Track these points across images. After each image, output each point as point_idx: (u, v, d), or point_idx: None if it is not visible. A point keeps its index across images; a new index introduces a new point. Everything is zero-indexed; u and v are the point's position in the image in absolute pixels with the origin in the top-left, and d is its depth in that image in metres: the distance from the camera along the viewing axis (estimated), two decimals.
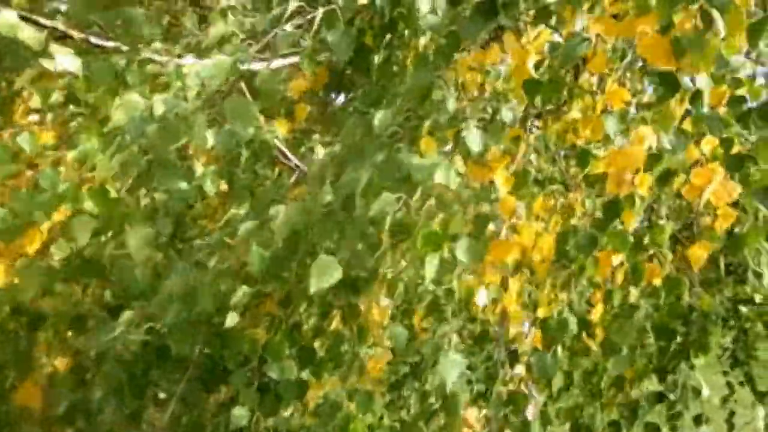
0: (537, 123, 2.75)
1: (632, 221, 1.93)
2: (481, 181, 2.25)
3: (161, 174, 1.92)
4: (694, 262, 2.10)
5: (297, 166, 3.43)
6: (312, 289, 1.66)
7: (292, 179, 3.51)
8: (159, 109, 2.09)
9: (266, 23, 2.22)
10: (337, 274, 1.68)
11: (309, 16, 2.23)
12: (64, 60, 2.30)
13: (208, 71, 1.99)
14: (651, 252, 2.11)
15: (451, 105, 2.02)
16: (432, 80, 1.97)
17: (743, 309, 3.66)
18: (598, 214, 2.10)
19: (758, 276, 2.45)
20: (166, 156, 1.91)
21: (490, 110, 2.72)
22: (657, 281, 2.24)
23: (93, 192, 2.01)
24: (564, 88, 2.17)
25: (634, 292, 2.28)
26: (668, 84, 1.64)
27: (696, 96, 1.78)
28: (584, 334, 2.30)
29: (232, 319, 2.16)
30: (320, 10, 2.21)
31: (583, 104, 2.21)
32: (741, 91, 1.85)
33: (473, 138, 2.07)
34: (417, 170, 1.69)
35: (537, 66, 2.12)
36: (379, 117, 1.87)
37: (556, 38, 2.59)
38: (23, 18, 2.33)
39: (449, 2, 2.08)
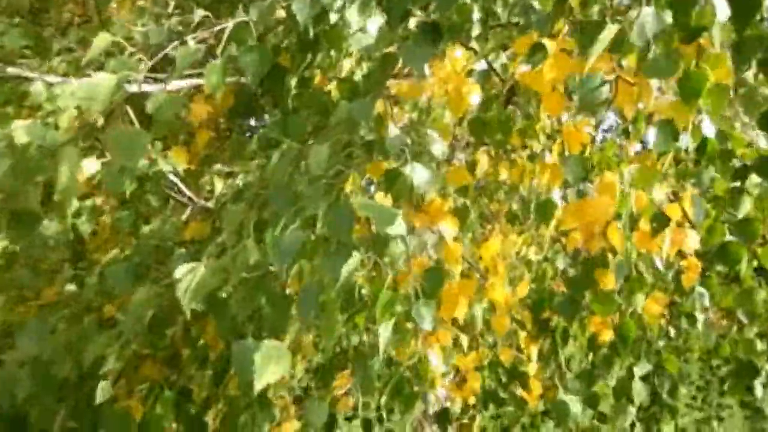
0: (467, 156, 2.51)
1: (610, 280, 1.69)
2: (425, 226, 1.96)
3: (13, 222, 1.45)
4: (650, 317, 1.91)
5: (191, 199, 2.98)
6: (258, 386, 1.26)
7: (185, 215, 3.05)
8: (21, 140, 1.61)
9: (161, 35, 1.80)
10: (287, 363, 1.29)
11: (216, 29, 1.83)
12: None
13: (85, 92, 1.54)
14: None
15: (396, 139, 1.70)
16: (372, 110, 1.64)
17: None
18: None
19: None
20: (22, 199, 1.44)
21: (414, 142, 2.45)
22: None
23: None
24: (513, 129, 1.92)
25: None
26: (669, 133, 1.41)
27: (701, 147, 1.55)
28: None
29: (104, 391, 1.74)
30: (230, 23, 1.83)
31: (534, 144, 1.97)
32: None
33: (421, 177, 1.76)
34: (379, 219, 1.34)
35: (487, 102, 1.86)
36: (316, 153, 1.50)
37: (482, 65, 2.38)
38: None
39: (387, 22, 1.77)
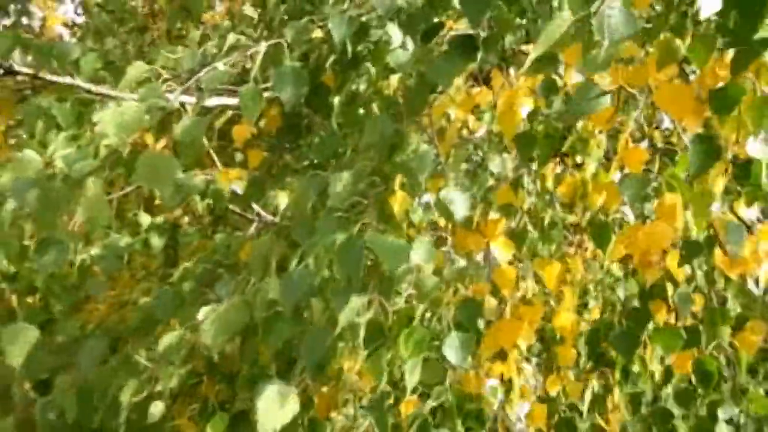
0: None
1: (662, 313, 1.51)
2: (469, 251, 1.83)
3: (42, 250, 1.47)
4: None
5: (258, 215, 3.00)
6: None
7: (251, 231, 3.07)
8: (59, 166, 1.66)
9: (195, 60, 1.79)
10: (293, 407, 1.23)
11: (250, 52, 1.80)
12: None
13: (113, 119, 1.55)
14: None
15: (429, 159, 1.59)
16: (398, 129, 1.55)
17: None
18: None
19: None
20: (49, 227, 1.46)
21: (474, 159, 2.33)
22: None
23: None
24: (564, 144, 1.76)
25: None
26: (706, 151, 1.23)
27: (745, 167, 1.35)
28: None
29: (157, 411, 1.75)
30: (264, 44, 1.79)
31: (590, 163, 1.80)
32: None
33: (457, 200, 1.64)
34: (389, 257, 1.25)
35: (532, 115, 1.71)
36: (336, 184, 1.43)
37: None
38: None
39: (421, 36, 1.66)
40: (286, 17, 4.43)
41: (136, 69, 1.70)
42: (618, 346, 1.58)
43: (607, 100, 1.32)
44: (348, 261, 1.25)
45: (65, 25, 3.76)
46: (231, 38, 1.80)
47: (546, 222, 2.17)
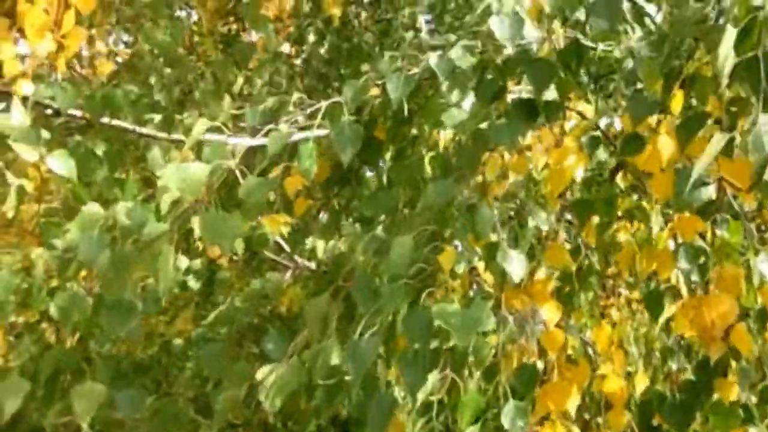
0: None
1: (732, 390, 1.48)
2: (519, 310, 1.83)
3: (110, 312, 1.49)
4: None
5: (295, 261, 3.02)
6: None
7: (288, 276, 3.09)
8: (122, 221, 1.69)
9: (256, 118, 1.83)
10: None
11: (310, 110, 1.84)
12: (55, 163, 1.96)
13: (179, 179, 1.58)
14: None
15: (490, 220, 1.60)
16: (455, 193, 1.57)
17: None
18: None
19: None
20: (119, 289, 1.48)
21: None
22: None
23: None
24: (621, 209, 1.77)
25: None
26: None
27: None
28: None
29: None
30: (323, 104, 1.83)
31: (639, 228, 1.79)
32: None
33: (514, 261, 1.65)
34: (459, 332, 1.25)
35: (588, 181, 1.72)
36: (398, 246, 1.44)
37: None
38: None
39: (479, 97, 1.69)
40: (326, 56, 4.52)
41: (201, 125, 1.74)
42: (671, 419, 1.56)
43: (710, 190, 1.31)
44: (416, 332, 1.26)
45: (109, 54, 3.85)
46: (295, 97, 1.84)
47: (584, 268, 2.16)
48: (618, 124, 2.29)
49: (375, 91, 1.95)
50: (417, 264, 1.41)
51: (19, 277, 2.06)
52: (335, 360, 1.35)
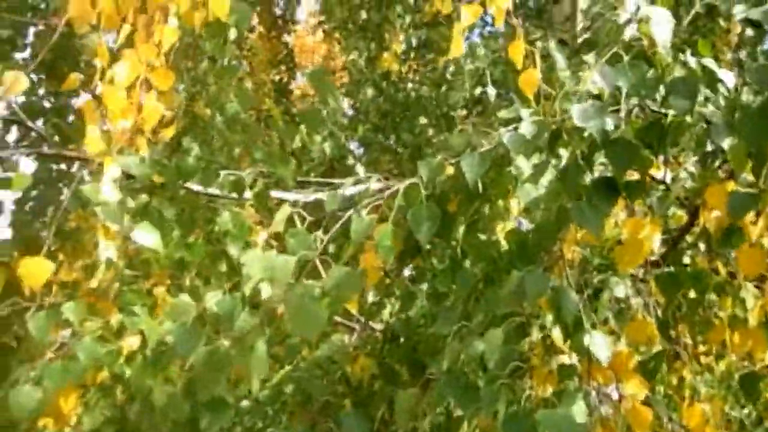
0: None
1: None
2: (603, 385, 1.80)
3: (207, 411, 1.53)
4: None
5: (359, 321, 3.03)
6: None
7: (354, 338, 3.10)
8: (212, 309, 1.74)
9: (336, 203, 1.88)
10: None
11: (387, 192, 1.88)
12: (142, 236, 2.07)
13: (264, 268, 1.62)
14: None
15: (575, 302, 1.59)
16: (547, 284, 1.56)
17: None
18: None
19: None
20: (213, 387, 1.52)
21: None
22: None
23: None
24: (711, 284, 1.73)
25: None
26: None
27: None
28: None
29: None
30: (401, 185, 1.87)
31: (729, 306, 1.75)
32: None
33: (599, 344, 1.63)
34: None
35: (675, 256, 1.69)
36: (489, 340, 1.44)
37: None
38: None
39: (566, 183, 1.69)
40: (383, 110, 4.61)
41: (283, 212, 1.79)
42: None
43: None
44: None
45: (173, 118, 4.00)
46: (373, 181, 1.89)
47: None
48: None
49: (449, 169, 1.98)
50: (512, 363, 1.41)
51: (100, 345, 2.14)
52: None
